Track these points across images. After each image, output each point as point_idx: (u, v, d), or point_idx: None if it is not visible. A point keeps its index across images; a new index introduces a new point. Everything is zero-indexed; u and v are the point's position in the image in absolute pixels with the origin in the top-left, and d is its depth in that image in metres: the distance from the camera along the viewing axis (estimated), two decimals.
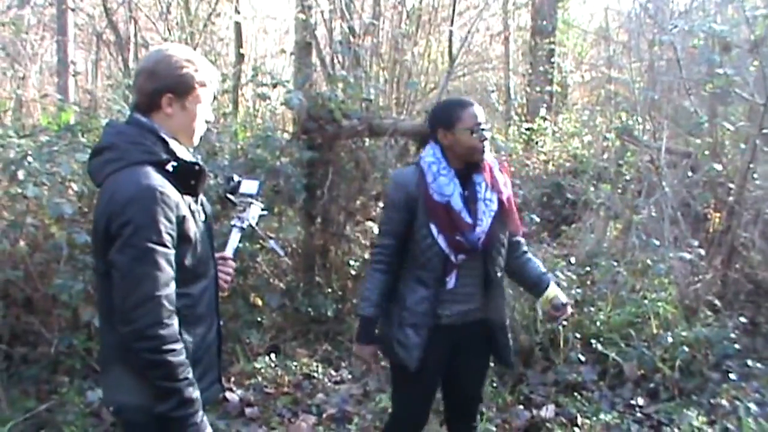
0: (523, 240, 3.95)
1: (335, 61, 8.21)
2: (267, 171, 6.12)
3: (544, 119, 11.23)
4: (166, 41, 8.68)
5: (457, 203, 3.58)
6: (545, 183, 10.19)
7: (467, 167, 3.63)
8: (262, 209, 3.51)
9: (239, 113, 9.51)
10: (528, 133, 10.97)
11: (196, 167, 2.76)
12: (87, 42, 13.51)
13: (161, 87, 2.72)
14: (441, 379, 3.92)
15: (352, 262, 7.10)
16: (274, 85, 6.75)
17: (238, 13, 9.61)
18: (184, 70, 2.74)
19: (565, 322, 3.79)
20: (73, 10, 10.85)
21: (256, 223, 3.49)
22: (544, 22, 12.29)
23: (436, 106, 3.92)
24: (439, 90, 7.71)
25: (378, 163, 6.77)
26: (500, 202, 3.66)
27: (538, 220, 7.38)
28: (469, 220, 3.58)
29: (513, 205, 3.75)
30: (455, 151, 3.61)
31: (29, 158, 5.23)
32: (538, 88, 11.87)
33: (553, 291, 3.83)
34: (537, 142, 11.03)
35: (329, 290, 6.95)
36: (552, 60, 12.50)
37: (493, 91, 12.95)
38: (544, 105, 11.87)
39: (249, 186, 3.48)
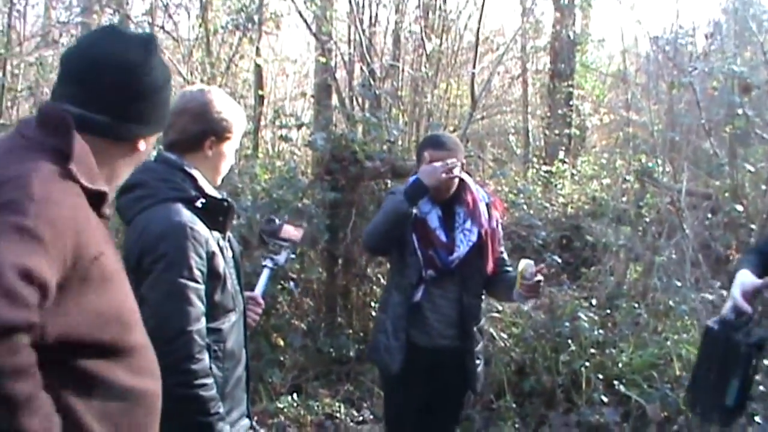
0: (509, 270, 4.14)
1: (355, 103, 8.31)
2: (290, 212, 6.18)
3: (563, 162, 11.23)
4: (188, 83, 8.79)
5: (433, 221, 3.92)
6: (564, 225, 10.16)
7: (448, 198, 3.96)
8: (292, 252, 3.57)
9: (259, 155, 9.60)
10: (547, 175, 10.96)
11: (225, 204, 2.83)
12: None
13: (207, 130, 2.82)
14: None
15: (373, 304, 7.12)
16: (299, 126, 6.85)
17: (259, 55, 9.73)
18: (225, 114, 2.83)
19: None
20: None
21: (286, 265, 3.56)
22: (563, 66, 12.36)
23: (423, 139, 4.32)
24: (461, 133, 7.77)
25: None
26: (479, 234, 3.93)
27: (559, 260, 7.38)
28: (443, 238, 3.89)
29: (492, 241, 3.99)
30: None
31: None
32: (556, 131, 11.87)
33: (522, 264, 3.85)
34: (556, 185, 11.01)
35: (351, 331, 6.97)
36: (570, 103, 12.54)
37: (511, 134, 13.00)
38: (563, 148, 11.88)
39: (292, 233, 3.53)
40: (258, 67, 9.72)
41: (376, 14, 9.09)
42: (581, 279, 8.62)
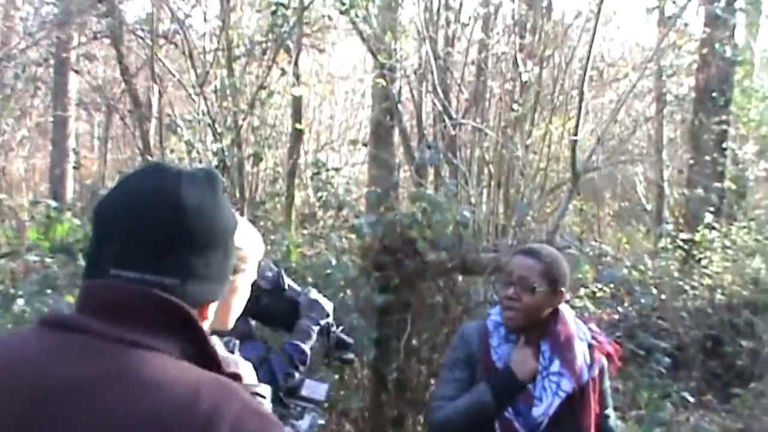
0: None
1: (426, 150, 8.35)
2: None
3: (711, 228, 11.13)
4: (199, 124, 8.95)
5: None
6: (711, 320, 10.04)
7: (531, 331, 3.86)
8: (319, 416, 3.58)
9: (294, 214, 9.71)
10: (687, 246, 10.88)
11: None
12: (92, 103, 14.03)
13: None
14: None
15: None
16: (339, 208, 6.92)
17: (298, 80, 9.85)
18: (237, 241, 2.84)
19: None
20: (76, 71, 11.27)
21: None
22: (714, 94, 12.24)
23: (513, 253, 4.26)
24: (558, 213, 7.74)
25: (472, 304, 6.81)
26: (575, 388, 3.82)
27: (691, 399, 7.29)
28: (532, 392, 3.80)
29: (591, 399, 3.87)
30: None
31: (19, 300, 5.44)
32: (702, 185, 11.77)
33: None
34: (699, 260, 10.92)
35: None
36: (724, 146, 12.41)
37: (640, 184, 12.96)
38: (712, 208, 11.75)
39: (315, 389, 3.55)
40: (296, 98, 9.89)
41: (454, 31, 9.19)
42: (733, 402, 8.49)
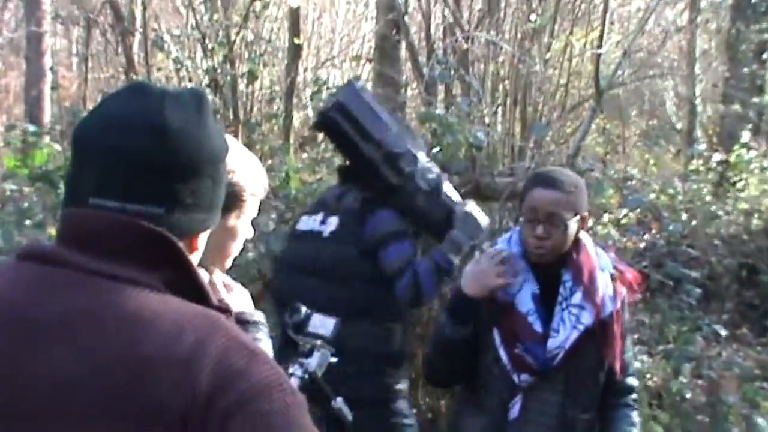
0: (628, 386, 4.06)
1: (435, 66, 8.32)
2: None
3: (748, 148, 11.06)
4: (187, 39, 8.93)
5: (525, 303, 3.79)
6: (746, 248, 10.01)
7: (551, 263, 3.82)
8: (332, 355, 3.58)
9: (293, 137, 9.69)
10: (721, 168, 10.83)
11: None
12: (69, 16, 13.97)
13: None
14: None
15: None
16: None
17: None
18: (237, 174, 2.80)
19: None
20: None
21: (322, 374, 3.55)
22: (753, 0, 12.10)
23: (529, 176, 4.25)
24: (580, 134, 7.72)
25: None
26: (598, 321, 3.80)
27: (724, 332, 7.28)
28: (538, 327, 3.76)
29: (615, 333, 3.86)
30: None
31: None
32: (738, 100, 11.68)
33: None
34: (735, 183, 10.88)
35: (416, 411, 6.99)
36: (764, 57, 12.28)
37: (670, 102, 12.89)
38: (749, 126, 11.67)
39: (322, 324, 3.55)
40: (294, 9, 9.84)
41: None
42: None
